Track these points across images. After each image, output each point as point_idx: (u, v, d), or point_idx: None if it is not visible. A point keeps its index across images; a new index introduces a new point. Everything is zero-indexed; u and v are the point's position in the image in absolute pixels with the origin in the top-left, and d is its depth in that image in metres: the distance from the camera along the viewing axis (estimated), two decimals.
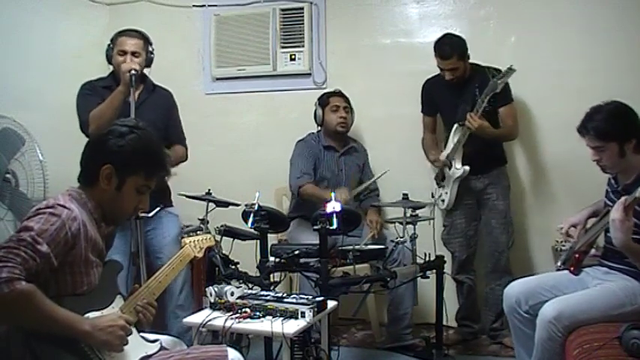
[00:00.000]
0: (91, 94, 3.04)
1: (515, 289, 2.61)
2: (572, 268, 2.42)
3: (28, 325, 1.60)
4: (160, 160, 1.92)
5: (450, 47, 3.33)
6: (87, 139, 1.98)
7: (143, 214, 2.34)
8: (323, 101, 3.74)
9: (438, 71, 3.51)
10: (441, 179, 3.56)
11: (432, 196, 3.54)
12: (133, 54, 3.02)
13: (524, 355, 2.60)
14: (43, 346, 1.62)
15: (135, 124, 1.90)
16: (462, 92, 3.44)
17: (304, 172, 3.62)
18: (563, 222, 2.73)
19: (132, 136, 1.84)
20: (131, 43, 3.03)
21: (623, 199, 2.15)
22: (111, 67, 3.11)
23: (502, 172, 3.53)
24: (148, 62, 3.11)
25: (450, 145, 3.44)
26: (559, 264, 2.62)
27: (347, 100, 3.76)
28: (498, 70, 3.47)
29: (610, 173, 2.54)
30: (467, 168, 3.39)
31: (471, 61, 3.42)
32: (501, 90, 3.29)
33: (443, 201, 3.53)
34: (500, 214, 3.44)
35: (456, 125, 3.42)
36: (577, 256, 2.42)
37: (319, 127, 3.78)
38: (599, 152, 2.44)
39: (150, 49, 3.12)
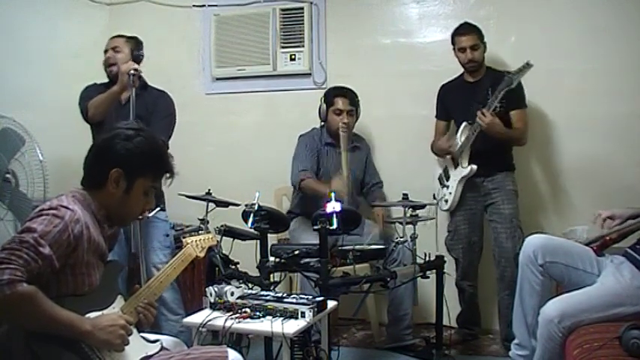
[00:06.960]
0: (91, 90, 3.17)
1: (538, 241, 2.59)
2: (596, 248, 2.48)
3: (30, 326, 1.60)
4: (166, 160, 1.94)
5: (468, 24, 3.44)
6: (88, 141, 1.98)
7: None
8: (328, 99, 3.67)
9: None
10: (445, 179, 3.53)
11: (434, 198, 3.50)
12: (113, 49, 3.18)
13: (520, 312, 2.60)
14: (44, 346, 1.61)
15: (139, 126, 1.92)
16: (475, 93, 3.40)
17: (306, 166, 3.61)
18: (604, 210, 2.68)
19: (139, 139, 1.84)
20: (112, 42, 3.23)
21: None
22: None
23: (508, 177, 3.44)
24: (135, 60, 3.14)
25: (458, 143, 3.42)
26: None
27: (353, 100, 3.67)
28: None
29: None
30: (474, 167, 3.36)
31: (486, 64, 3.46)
32: (517, 94, 3.29)
33: (446, 201, 3.49)
34: (505, 219, 3.34)
35: (464, 123, 3.41)
36: (607, 238, 2.49)
37: (322, 123, 3.75)
38: None
39: (137, 47, 3.21)
